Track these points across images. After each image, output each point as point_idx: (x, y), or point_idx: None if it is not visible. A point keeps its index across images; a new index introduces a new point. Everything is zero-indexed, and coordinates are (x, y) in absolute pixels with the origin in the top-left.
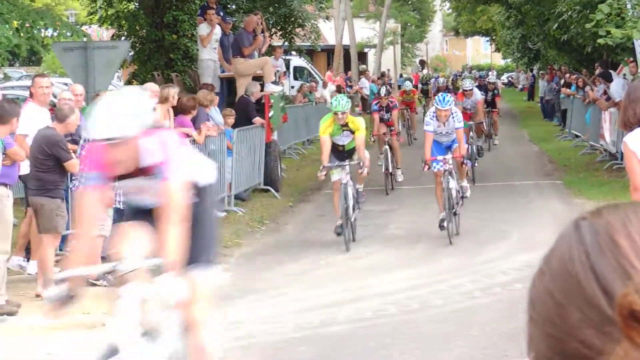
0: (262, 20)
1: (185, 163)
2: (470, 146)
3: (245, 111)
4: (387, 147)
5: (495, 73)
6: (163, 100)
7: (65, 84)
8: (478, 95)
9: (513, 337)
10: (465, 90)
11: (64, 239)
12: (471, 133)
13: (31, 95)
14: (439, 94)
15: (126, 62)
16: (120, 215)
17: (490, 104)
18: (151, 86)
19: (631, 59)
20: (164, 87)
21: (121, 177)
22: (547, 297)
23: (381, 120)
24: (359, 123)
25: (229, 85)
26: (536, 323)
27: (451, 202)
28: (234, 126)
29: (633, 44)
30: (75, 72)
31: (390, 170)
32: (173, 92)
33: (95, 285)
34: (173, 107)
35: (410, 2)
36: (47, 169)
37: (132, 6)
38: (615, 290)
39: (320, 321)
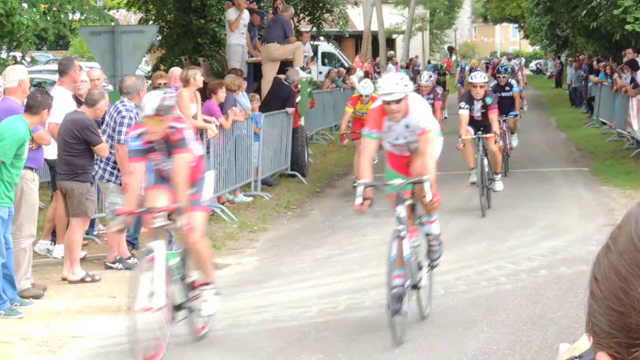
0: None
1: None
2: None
3: (286, 97)
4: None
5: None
6: (185, 83)
7: (91, 68)
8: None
9: (537, 323)
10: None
11: (92, 223)
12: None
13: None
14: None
15: (154, 46)
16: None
17: (480, 123)
18: (176, 71)
19: None
20: (185, 69)
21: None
22: (612, 273)
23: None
24: None
25: (255, 70)
26: (598, 298)
27: None
28: (264, 109)
29: None
30: (103, 56)
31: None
32: (192, 73)
33: (111, 268)
34: (201, 92)
35: None
36: (77, 153)
37: None
38: None
39: (346, 306)
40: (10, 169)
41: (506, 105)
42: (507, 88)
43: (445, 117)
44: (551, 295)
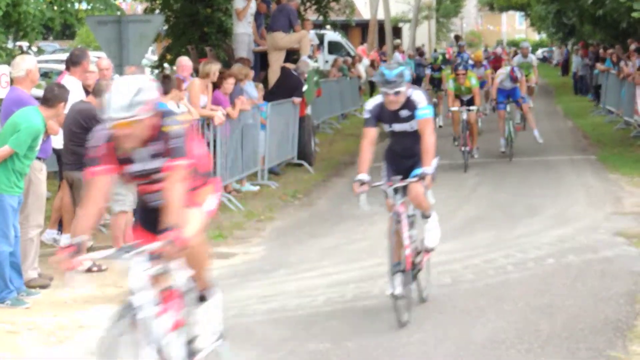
0: None
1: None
2: None
3: (294, 88)
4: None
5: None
6: (204, 75)
7: (99, 58)
8: None
9: (546, 312)
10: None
11: None
12: None
13: (67, 68)
14: None
15: (160, 36)
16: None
17: None
18: (184, 60)
19: None
20: (206, 62)
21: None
22: None
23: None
24: None
25: (262, 59)
26: None
27: None
28: (271, 98)
29: None
30: (109, 46)
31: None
32: (215, 68)
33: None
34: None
35: None
36: (83, 143)
37: None
38: None
39: (353, 295)
40: (23, 160)
41: (408, 155)
42: (402, 114)
43: (440, 126)
44: (559, 284)
